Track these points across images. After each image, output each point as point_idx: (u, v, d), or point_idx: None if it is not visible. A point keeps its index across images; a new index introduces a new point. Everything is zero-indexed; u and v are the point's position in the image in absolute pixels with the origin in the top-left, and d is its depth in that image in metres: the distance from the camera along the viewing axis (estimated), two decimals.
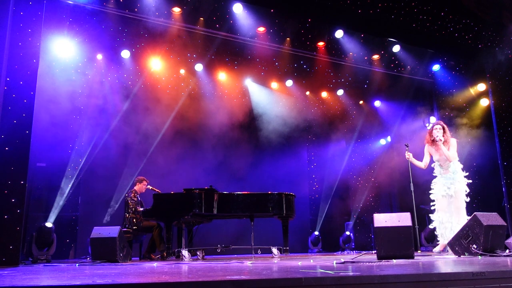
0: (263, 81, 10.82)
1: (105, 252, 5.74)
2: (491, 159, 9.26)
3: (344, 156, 11.78)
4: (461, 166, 6.22)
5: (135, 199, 7.11)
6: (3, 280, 3.11)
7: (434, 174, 6.38)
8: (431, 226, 6.37)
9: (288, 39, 9.17)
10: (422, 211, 10.04)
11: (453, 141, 6.23)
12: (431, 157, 6.35)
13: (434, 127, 6.26)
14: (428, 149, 6.38)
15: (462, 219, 5.99)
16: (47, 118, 7.34)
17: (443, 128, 6.23)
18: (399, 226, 4.88)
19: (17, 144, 5.57)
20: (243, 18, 8.43)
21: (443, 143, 6.13)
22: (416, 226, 6.12)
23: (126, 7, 7.88)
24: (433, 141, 6.23)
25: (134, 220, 6.96)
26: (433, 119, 10.79)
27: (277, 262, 5.03)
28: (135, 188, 7.31)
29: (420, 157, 6.53)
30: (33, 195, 7.83)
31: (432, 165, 6.42)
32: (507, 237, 5.56)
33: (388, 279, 2.52)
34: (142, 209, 7.02)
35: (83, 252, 8.20)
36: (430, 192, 6.35)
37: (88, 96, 8.88)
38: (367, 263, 4.05)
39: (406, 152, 6.41)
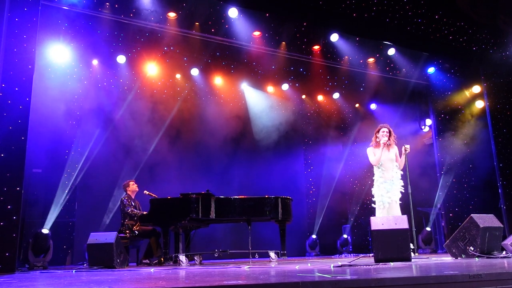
0: (259, 85, 10.83)
1: (102, 258, 5.71)
2: (487, 161, 9.29)
3: (341, 159, 11.78)
4: (401, 173, 6.05)
5: (129, 203, 7.07)
6: None
7: (374, 178, 6.10)
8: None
9: (283, 43, 9.19)
10: (419, 214, 10.08)
11: (395, 147, 6.09)
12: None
13: (382, 129, 6.08)
14: (373, 151, 6.11)
15: None
16: (43, 124, 7.31)
17: (390, 132, 6.08)
18: (396, 229, 4.88)
19: (13, 150, 5.53)
20: (238, 23, 8.44)
21: (387, 146, 6.00)
22: (414, 229, 6.10)
23: (122, 12, 7.89)
24: (378, 143, 6.07)
25: (131, 225, 6.92)
26: (428, 121, 10.83)
27: (274, 266, 5.02)
28: (128, 193, 7.29)
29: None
30: (29, 201, 7.79)
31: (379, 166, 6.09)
32: (504, 238, 5.57)
33: (385, 283, 2.53)
34: (138, 211, 6.99)
35: (80, 258, 8.15)
36: (373, 199, 6.06)
37: (84, 101, 8.85)
38: (365, 266, 4.05)
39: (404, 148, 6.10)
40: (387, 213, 5.79)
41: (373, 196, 6.03)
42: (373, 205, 6.03)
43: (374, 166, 6.07)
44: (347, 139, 11.91)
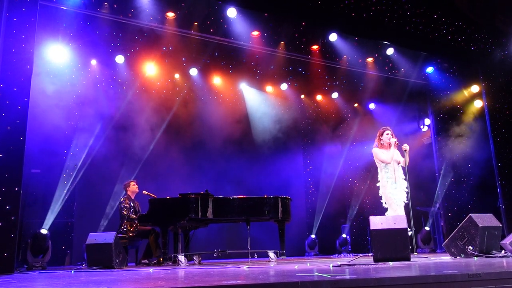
0: (258, 85, 10.83)
1: (100, 258, 5.70)
2: (486, 160, 9.30)
3: (340, 159, 11.79)
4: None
5: (128, 205, 7.05)
6: None
7: (380, 179, 6.04)
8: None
9: (282, 42, 9.18)
10: (418, 213, 10.08)
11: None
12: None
13: (386, 132, 6.09)
14: (381, 151, 6.07)
15: None
16: (41, 124, 7.30)
17: (392, 134, 6.10)
18: (395, 229, 4.89)
19: (11, 150, 5.53)
20: (237, 23, 8.43)
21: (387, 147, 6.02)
22: (413, 228, 6.09)
23: (120, 12, 7.87)
24: (382, 145, 6.07)
25: (129, 227, 6.90)
26: (427, 121, 10.84)
27: (273, 266, 5.02)
28: (128, 194, 7.28)
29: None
30: (28, 201, 7.77)
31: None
32: (503, 238, 5.58)
33: (385, 282, 2.53)
34: (135, 216, 6.96)
35: (78, 258, 8.14)
36: (381, 200, 5.99)
37: (83, 101, 8.85)
38: (364, 266, 4.05)
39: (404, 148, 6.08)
40: (402, 213, 5.77)
41: (381, 197, 6.00)
42: (384, 205, 5.98)
43: (379, 167, 6.05)
44: (346, 138, 11.92)
